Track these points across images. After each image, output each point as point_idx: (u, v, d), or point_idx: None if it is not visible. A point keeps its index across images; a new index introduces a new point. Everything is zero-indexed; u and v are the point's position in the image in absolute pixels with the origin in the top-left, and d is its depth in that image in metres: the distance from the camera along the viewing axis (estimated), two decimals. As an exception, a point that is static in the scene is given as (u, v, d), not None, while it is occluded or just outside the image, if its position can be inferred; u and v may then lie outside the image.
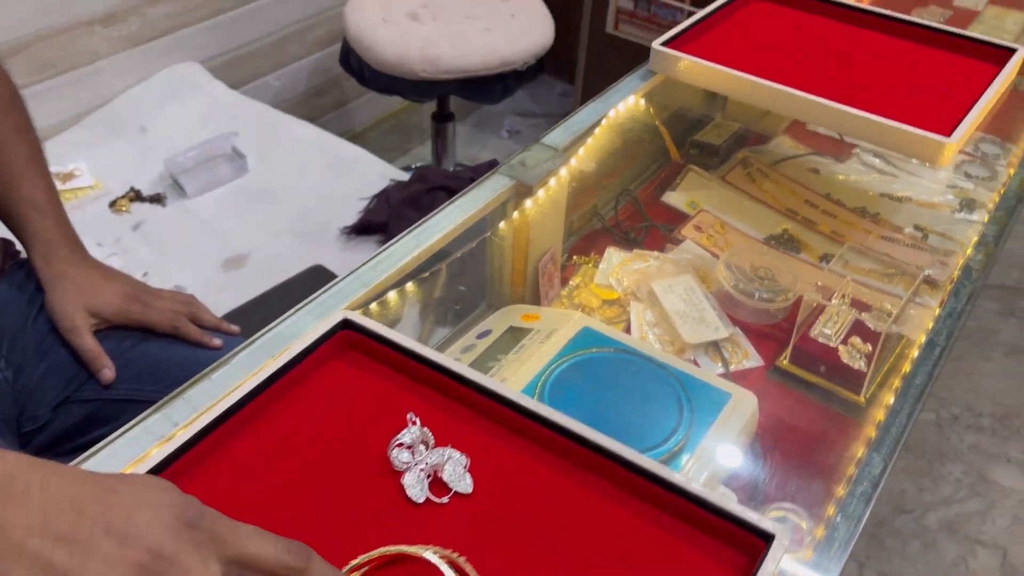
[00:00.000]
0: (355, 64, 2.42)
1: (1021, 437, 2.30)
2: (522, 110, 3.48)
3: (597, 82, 3.10)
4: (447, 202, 1.06)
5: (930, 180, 1.51)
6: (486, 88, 2.35)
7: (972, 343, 2.55)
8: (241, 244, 1.93)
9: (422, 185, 1.98)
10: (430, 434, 0.73)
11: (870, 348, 1.07)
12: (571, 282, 1.26)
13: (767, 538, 0.65)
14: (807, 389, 1.10)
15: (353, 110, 3.07)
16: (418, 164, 2.93)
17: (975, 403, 2.39)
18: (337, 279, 0.93)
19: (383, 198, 1.99)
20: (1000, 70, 1.26)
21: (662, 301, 1.20)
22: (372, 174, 2.12)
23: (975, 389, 2.43)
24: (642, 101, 1.27)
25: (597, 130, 1.21)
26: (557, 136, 1.16)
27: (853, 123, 1.15)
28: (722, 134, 1.53)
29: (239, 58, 2.58)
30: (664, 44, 1.30)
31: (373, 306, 0.93)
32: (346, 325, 0.80)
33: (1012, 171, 1.54)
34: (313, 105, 2.90)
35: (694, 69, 1.26)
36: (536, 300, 1.19)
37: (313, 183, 2.11)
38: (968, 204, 1.43)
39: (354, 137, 3.06)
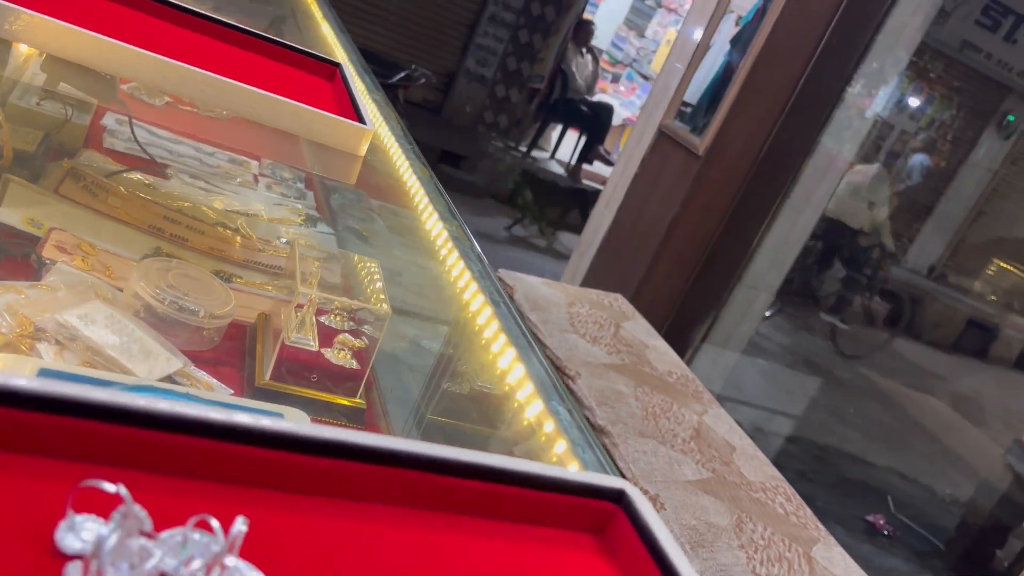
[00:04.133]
0: None
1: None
2: None
3: None
4: None
5: (254, 199, 1.44)
6: None
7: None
8: None
9: None
10: (146, 519, 0.37)
11: (364, 342, 0.96)
12: (-85, 332, 0.79)
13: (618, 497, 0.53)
14: (300, 405, 0.93)
15: None
16: None
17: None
18: None
19: None
20: (340, 80, 1.29)
21: (89, 335, 0.85)
22: None
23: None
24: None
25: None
26: None
27: (271, 108, 1.02)
28: (30, 140, 1.18)
29: None
30: (-13, -5, 0.93)
31: None
32: None
33: (312, 190, 1.59)
34: None
35: (45, 29, 0.94)
36: None
37: None
38: (311, 220, 1.42)
39: None
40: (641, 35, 10.05)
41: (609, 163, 8.18)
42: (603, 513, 0.53)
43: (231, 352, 1.00)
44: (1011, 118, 7.80)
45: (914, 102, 7.78)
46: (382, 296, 0.99)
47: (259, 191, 1.49)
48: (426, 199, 1.11)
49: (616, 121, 8.39)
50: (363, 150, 1.08)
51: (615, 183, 3.34)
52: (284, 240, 1.30)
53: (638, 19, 10.10)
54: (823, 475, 4.32)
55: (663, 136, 3.13)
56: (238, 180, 1.46)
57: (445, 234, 1.03)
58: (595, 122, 7.88)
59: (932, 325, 7.93)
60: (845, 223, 6.00)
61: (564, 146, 8.19)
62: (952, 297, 7.52)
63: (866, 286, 6.49)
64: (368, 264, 1.13)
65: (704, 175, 2.94)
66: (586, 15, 8.53)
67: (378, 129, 1.32)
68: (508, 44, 7.88)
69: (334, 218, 1.48)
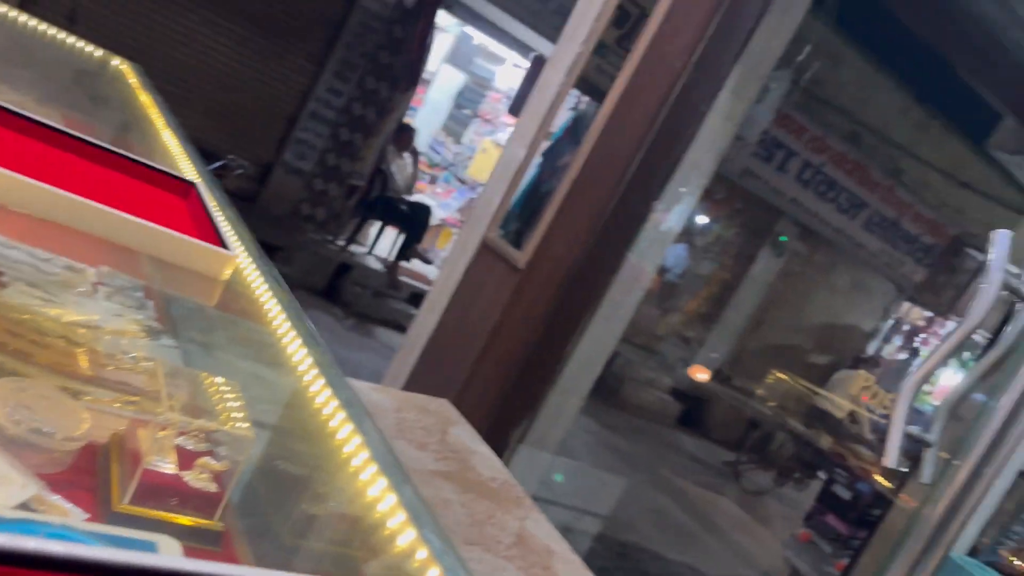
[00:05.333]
0: None
1: None
2: None
3: None
4: None
5: (95, 309, 1.43)
6: None
7: None
8: None
9: None
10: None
11: (224, 464, 0.99)
12: None
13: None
14: (158, 529, 0.94)
15: None
16: None
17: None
18: None
19: None
20: (197, 199, 1.33)
21: (-57, 462, 0.83)
22: None
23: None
24: None
25: None
26: None
27: (134, 232, 1.06)
28: None
29: None
30: None
31: None
32: None
33: (152, 300, 1.59)
34: None
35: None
36: None
37: None
38: (154, 332, 1.42)
39: None
40: (458, 141, 10.46)
41: (427, 261, 8.36)
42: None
43: (82, 473, 0.99)
44: (783, 238, 8.74)
45: (703, 220, 8.56)
46: (242, 417, 1.03)
47: (98, 300, 1.47)
48: (287, 322, 1.16)
49: (434, 221, 8.61)
50: (226, 275, 1.12)
51: (439, 289, 3.47)
52: (131, 355, 1.30)
53: (456, 126, 10.53)
54: (625, 571, 4.53)
55: (486, 249, 3.30)
56: (79, 289, 1.44)
57: (304, 353, 1.09)
58: (414, 221, 8.05)
59: (719, 424, 8.55)
60: (830, 412, 7.10)
61: (383, 242, 8.29)
62: (737, 399, 8.16)
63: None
64: (223, 383, 1.16)
65: (523, 287, 3.13)
66: (406, 119, 8.80)
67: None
68: (328, 140, 7.98)
69: (175, 329, 1.48)
